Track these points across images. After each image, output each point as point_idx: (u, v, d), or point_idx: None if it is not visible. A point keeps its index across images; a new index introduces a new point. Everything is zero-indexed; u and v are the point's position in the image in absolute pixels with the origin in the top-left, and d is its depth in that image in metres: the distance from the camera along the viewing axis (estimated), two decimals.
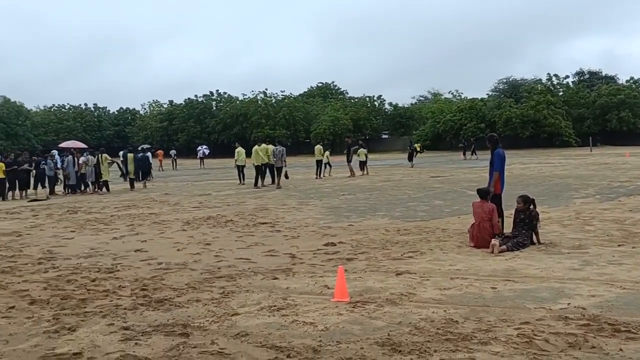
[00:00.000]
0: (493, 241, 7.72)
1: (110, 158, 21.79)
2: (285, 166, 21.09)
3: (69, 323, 5.01)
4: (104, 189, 21.04)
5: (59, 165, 22.15)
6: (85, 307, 5.53)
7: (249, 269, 7.06)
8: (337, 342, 4.38)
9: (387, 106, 78.45)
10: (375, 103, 77.86)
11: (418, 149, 25.71)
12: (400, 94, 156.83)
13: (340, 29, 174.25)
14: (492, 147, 8.87)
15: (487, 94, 68.93)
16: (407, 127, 74.09)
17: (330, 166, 26.72)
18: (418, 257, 7.52)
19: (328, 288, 5.97)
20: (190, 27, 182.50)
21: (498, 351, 4.06)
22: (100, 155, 21.18)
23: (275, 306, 5.37)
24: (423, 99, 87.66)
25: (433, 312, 5.05)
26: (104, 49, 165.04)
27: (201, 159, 43.01)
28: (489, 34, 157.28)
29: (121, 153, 24.43)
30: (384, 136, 77.11)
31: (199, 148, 45.56)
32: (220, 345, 4.34)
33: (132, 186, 21.89)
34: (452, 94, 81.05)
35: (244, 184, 21.98)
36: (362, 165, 26.71)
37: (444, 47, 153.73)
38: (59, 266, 7.63)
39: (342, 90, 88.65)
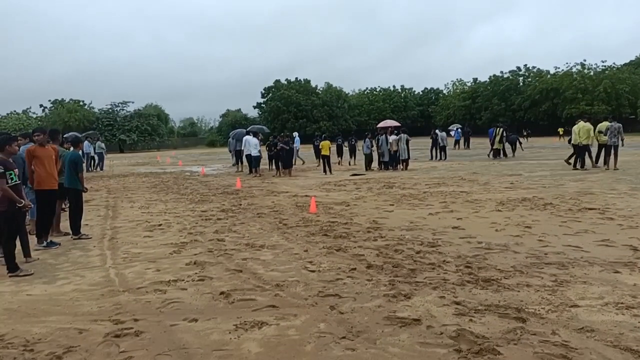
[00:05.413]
0: None
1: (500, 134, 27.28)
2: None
3: (404, 290, 5.34)
4: (501, 155, 27.27)
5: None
6: (415, 277, 5.82)
7: (581, 258, 6.39)
8: None
9: None
10: None
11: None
12: None
13: None
14: None
15: None
16: None
17: None
18: None
19: None
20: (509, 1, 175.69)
21: None
22: (497, 129, 27.56)
23: (622, 303, 4.70)
24: None
25: None
26: (423, 33, 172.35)
27: (456, 140, 41.96)
28: None
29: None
30: None
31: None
32: (563, 337, 4.00)
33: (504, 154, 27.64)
34: None
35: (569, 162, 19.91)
36: None
37: None
38: (385, 236, 8.27)
39: None
